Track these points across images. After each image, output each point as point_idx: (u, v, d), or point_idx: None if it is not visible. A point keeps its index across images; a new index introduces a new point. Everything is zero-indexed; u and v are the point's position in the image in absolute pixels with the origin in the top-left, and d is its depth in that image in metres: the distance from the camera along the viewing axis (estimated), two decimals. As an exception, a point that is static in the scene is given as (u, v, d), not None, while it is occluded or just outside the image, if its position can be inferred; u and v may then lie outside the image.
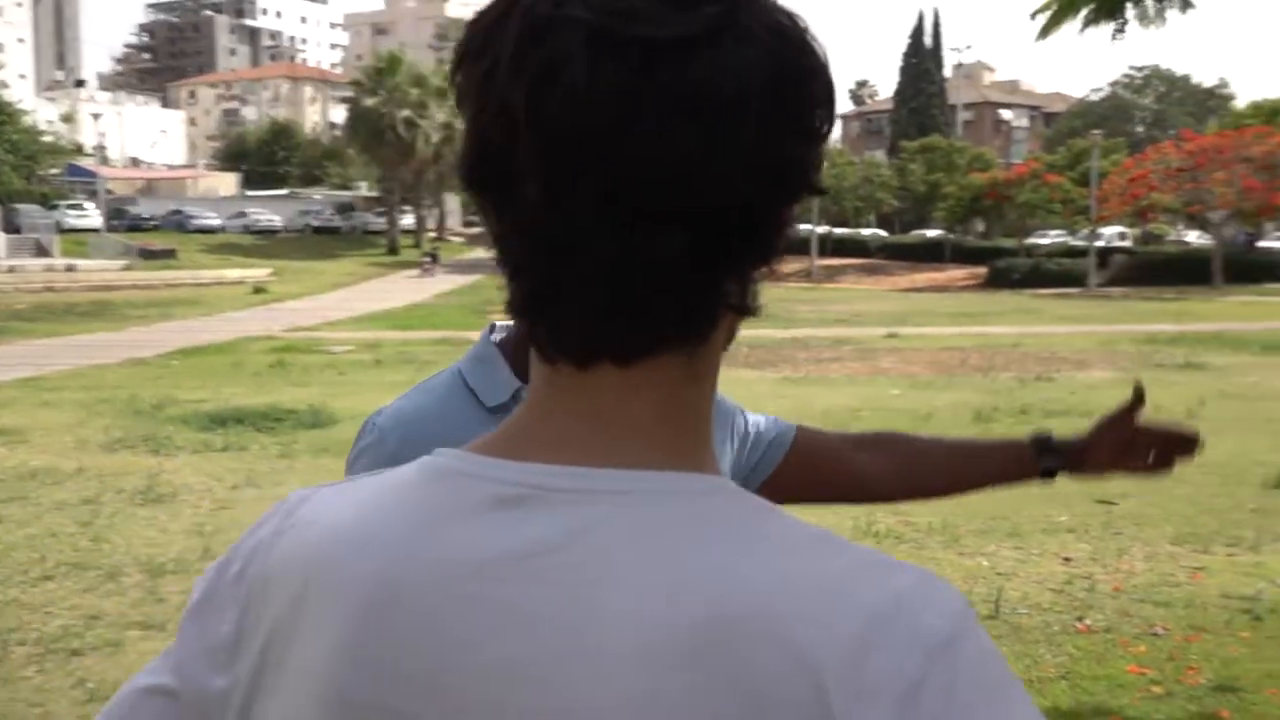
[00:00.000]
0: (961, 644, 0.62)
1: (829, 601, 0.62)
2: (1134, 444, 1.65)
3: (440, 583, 0.67)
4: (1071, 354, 18.84)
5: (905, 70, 76.14)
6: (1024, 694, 0.64)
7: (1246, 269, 39.94)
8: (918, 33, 76.62)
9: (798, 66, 0.68)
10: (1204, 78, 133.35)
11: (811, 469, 1.80)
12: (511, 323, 1.75)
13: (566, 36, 0.64)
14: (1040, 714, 0.64)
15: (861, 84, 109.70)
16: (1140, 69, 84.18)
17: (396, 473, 0.76)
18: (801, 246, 51.13)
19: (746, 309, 0.71)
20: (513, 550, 0.67)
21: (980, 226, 52.47)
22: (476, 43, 0.69)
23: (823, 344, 21.50)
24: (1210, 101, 79.04)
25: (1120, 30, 4.13)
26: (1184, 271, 40.01)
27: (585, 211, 0.65)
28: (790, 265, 50.37)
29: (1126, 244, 45.41)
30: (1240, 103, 59.46)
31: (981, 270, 43.85)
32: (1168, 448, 1.66)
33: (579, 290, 0.67)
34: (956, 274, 45.63)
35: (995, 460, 1.74)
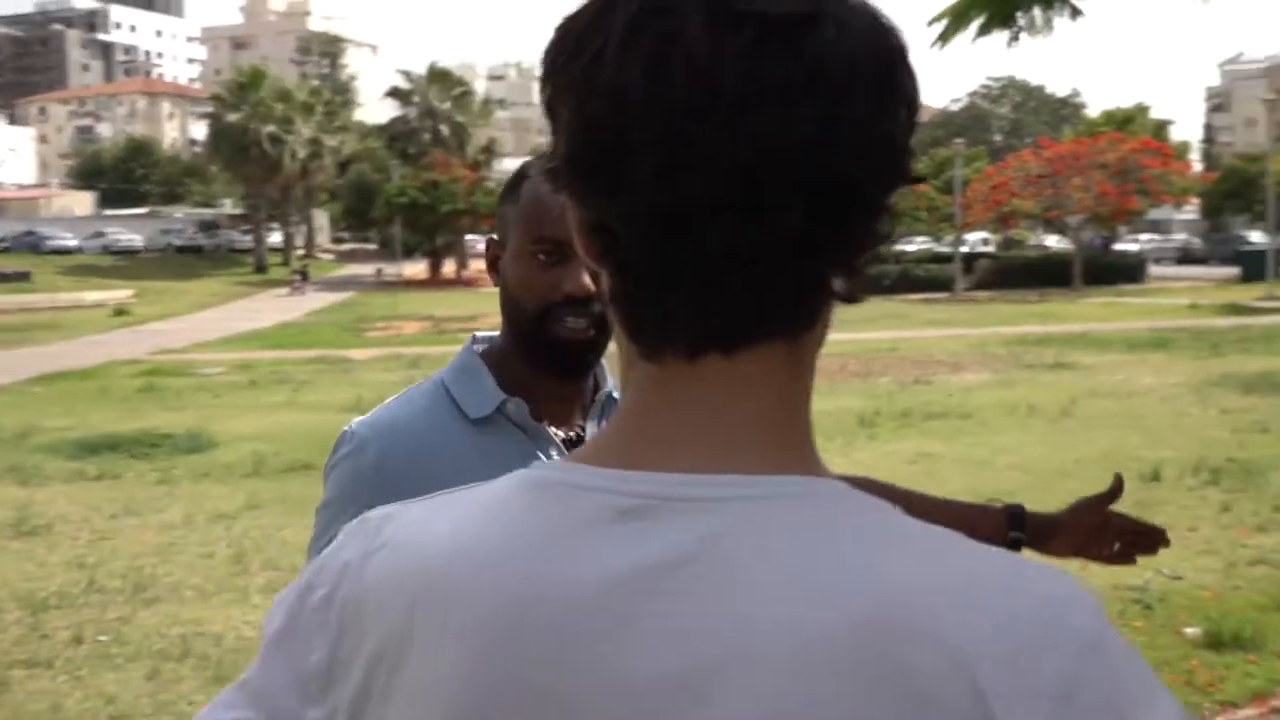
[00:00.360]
0: (1107, 641, 0.63)
1: (978, 602, 0.62)
2: (1103, 532, 1.66)
3: (571, 599, 0.65)
4: (946, 357, 19.30)
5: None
6: (1163, 686, 0.64)
7: (1103, 271, 41.45)
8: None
9: (892, 50, 0.68)
10: (1057, 88, 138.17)
11: None
12: (494, 334, 1.73)
13: (685, 10, 0.64)
14: (1179, 706, 0.64)
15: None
16: (997, 79, 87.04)
17: (491, 488, 0.73)
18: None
19: (852, 296, 0.69)
20: (643, 563, 0.65)
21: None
22: (573, 39, 0.68)
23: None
24: (1064, 110, 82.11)
25: (1015, 38, 4.22)
26: (1045, 275, 41.27)
27: (701, 191, 0.64)
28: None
29: (990, 249, 46.82)
30: (1091, 111, 61.86)
31: (853, 277, 44.64)
32: (1134, 541, 1.69)
33: (692, 273, 0.66)
34: (828, 282, 46.34)
35: (969, 522, 1.74)
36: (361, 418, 1.62)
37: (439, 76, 58.34)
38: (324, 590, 0.73)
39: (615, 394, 1.72)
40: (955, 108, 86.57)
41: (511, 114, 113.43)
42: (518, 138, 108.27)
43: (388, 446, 1.54)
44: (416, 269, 52.57)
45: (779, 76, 0.63)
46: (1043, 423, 12.26)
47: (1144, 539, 1.68)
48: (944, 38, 4.50)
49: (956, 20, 4.37)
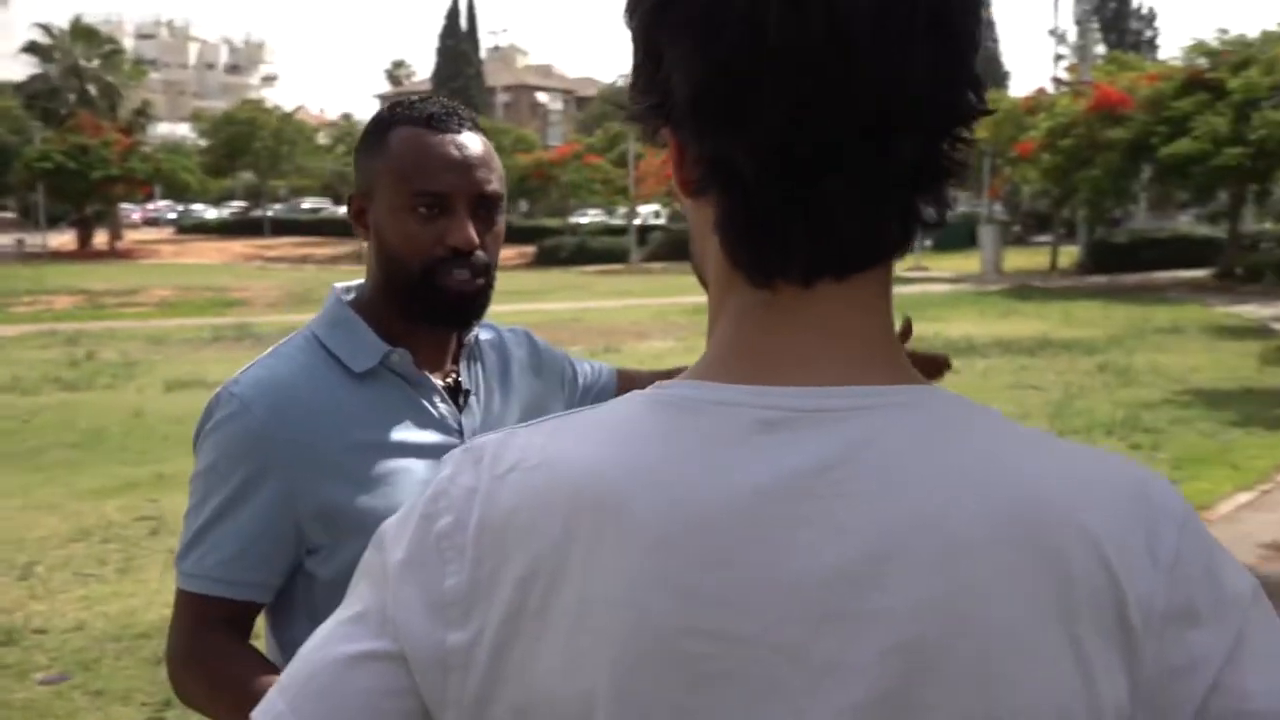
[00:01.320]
0: (1192, 517, 0.74)
1: (1099, 492, 0.72)
2: None
3: (730, 506, 0.69)
4: (630, 326, 19.83)
5: (442, 52, 76.58)
6: (1229, 552, 0.76)
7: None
8: (453, 15, 77.24)
9: None
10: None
11: None
12: (355, 283, 1.68)
13: None
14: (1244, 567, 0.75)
15: (398, 64, 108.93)
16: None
17: (612, 410, 0.76)
18: (350, 229, 50.14)
19: (940, 220, 0.75)
20: (796, 469, 0.69)
21: (524, 206, 53.88)
22: None
23: (389, 325, 21.24)
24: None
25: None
26: (713, 247, 42.82)
27: (832, 128, 0.68)
28: (341, 248, 49.66)
29: (661, 222, 48.28)
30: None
31: (530, 249, 45.05)
32: (926, 370, 1.84)
33: (816, 205, 0.70)
34: (507, 253, 45.50)
35: None
36: (233, 379, 1.55)
37: (83, 33, 54.03)
38: (450, 517, 0.74)
39: (482, 336, 1.72)
40: (623, 83, 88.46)
41: (164, 75, 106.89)
42: (171, 100, 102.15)
43: (274, 404, 1.49)
44: (64, 239, 48.70)
45: (903, 18, 0.68)
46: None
47: (933, 366, 1.76)
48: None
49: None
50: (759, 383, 0.72)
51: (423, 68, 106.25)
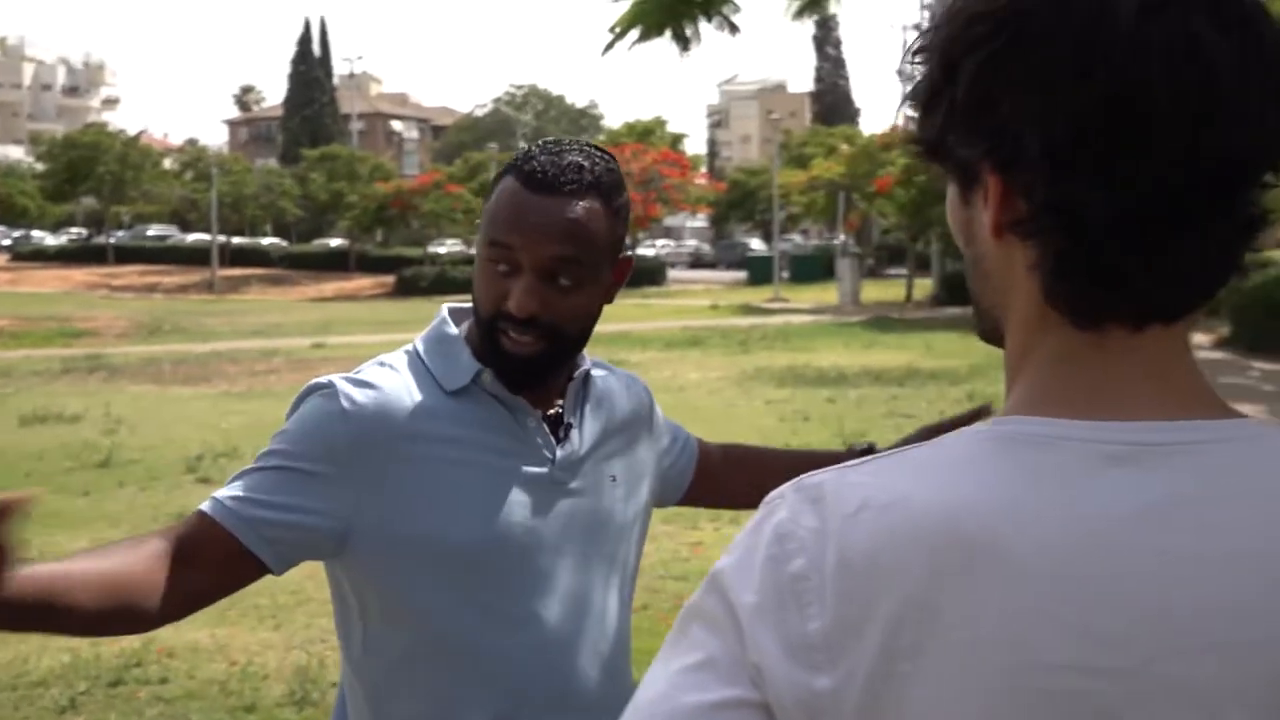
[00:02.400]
0: None
1: None
2: None
3: (1106, 539, 0.69)
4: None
5: (294, 78, 75.43)
6: None
7: (634, 276, 43.82)
8: (305, 40, 76.14)
9: None
10: (576, 98, 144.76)
11: (708, 479, 1.85)
12: (467, 305, 1.63)
13: (1190, 7, 0.70)
14: None
15: (247, 89, 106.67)
16: (520, 87, 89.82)
17: (946, 447, 0.76)
18: (200, 256, 48.98)
19: (1246, 269, 0.77)
20: (1152, 503, 0.70)
21: (380, 236, 53.21)
22: (1036, 25, 0.72)
23: (251, 356, 20.73)
24: (583, 120, 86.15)
25: (685, 47, 4.45)
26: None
27: (1193, 179, 0.71)
28: (190, 276, 48.30)
29: (521, 252, 48.22)
30: (610, 122, 65.28)
31: (389, 279, 44.58)
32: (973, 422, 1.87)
33: (1167, 254, 0.72)
34: (364, 283, 45.92)
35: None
36: (337, 376, 1.54)
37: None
38: (803, 559, 0.73)
39: (594, 372, 1.67)
40: (480, 113, 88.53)
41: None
42: (4, 122, 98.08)
43: (369, 400, 1.49)
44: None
45: (1262, 77, 0.71)
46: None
47: (975, 418, 1.81)
48: (609, 46, 4.65)
49: (625, 29, 4.53)
50: (1096, 418, 0.73)
51: (274, 93, 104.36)
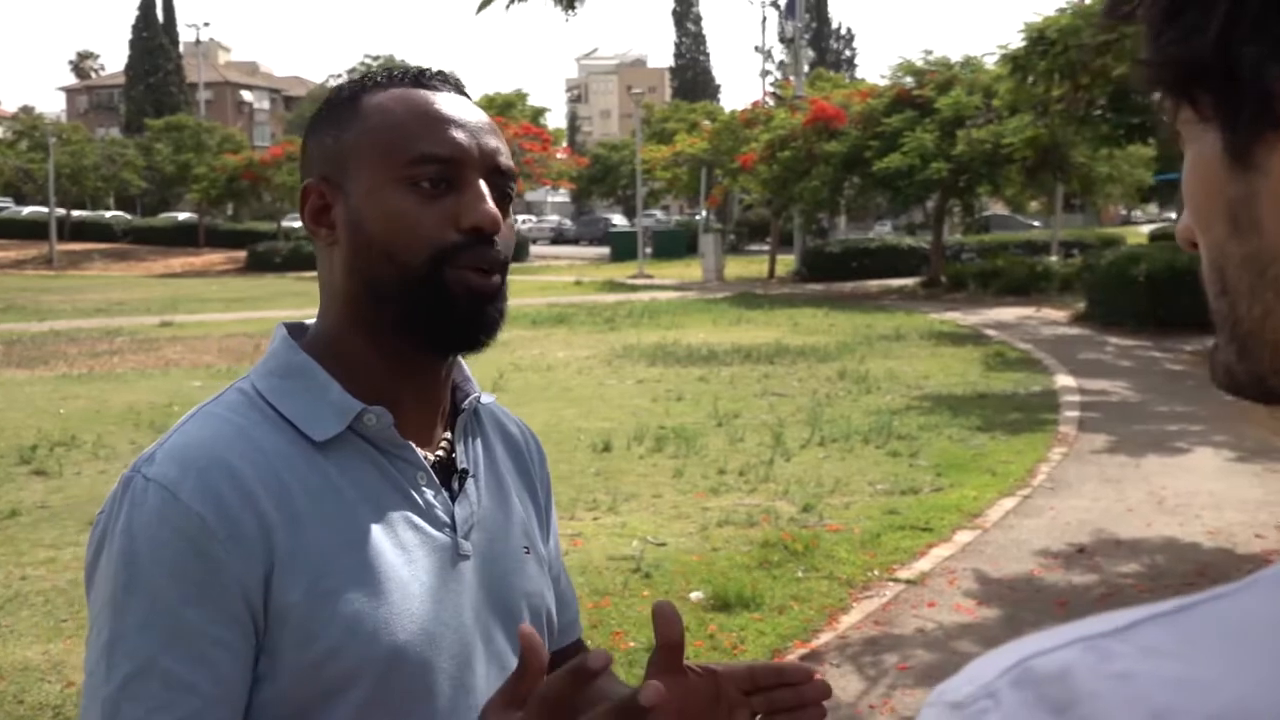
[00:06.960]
0: None
1: None
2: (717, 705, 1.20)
3: None
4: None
5: (136, 45, 72.15)
6: None
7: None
8: (148, 5, 72.99)
9: None
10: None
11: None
12: (308, 321, 1.23)
13: None
14: None
15: (85, 56, 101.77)
16: (375, 57, 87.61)
17: (1260, 609, 0.50)
18: (38, 230, 46.55)
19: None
20: None
21: (230, 210, 51.41)
22: None
23: (93, 336, 19.66)
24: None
25: (571, 8, 4.09)
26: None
27: None
28: (26, 251, 45.90)
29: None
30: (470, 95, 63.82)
31: (240, 254, 43.11)
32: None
33: None
34: (215, 258, 44.33)
35: None
36: (144, 456, 1.08)
37: None
38: None
39: (484, 399, 1.29)
40: (334, 84, 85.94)
41: None
42: None
43: (206, 486, 1.04)
44: None
45: None
46: (479, 399, 12.38)
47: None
48: (484, 4, 4.27)
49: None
50: None
51: (114, 60, 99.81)
